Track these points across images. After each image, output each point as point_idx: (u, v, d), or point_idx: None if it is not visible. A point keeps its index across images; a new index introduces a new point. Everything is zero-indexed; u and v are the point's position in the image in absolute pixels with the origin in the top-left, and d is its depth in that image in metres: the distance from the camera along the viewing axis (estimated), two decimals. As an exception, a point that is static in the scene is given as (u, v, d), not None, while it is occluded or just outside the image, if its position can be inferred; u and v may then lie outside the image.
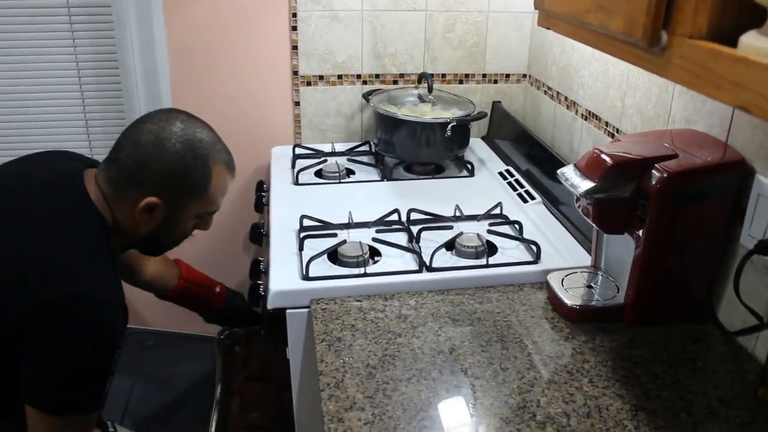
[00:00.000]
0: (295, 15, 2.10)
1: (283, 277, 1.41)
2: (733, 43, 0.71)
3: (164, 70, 2.10)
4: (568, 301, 1.32)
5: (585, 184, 1.21)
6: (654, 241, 1.22)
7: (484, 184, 1.95)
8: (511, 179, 1.93)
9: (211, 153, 1.31)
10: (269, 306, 1.37)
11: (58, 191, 1.28)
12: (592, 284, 1.38)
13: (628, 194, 1.22)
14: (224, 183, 1.35)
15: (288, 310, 1.37)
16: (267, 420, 1.87)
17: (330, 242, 1.51)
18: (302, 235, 1.54)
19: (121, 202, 1.29)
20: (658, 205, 1.18)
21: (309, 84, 2.18)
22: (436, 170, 2.05)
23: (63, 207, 1.26)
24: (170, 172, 1.27)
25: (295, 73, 2.16)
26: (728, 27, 0.74)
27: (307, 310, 1.37)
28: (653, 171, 1.19)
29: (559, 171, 1.28)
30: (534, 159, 1.96)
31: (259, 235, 1.83)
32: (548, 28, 1.23)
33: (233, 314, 1.88)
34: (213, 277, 1.87)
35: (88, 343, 1.17)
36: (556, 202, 1.75)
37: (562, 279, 1.39)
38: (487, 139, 2.30)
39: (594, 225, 1.29)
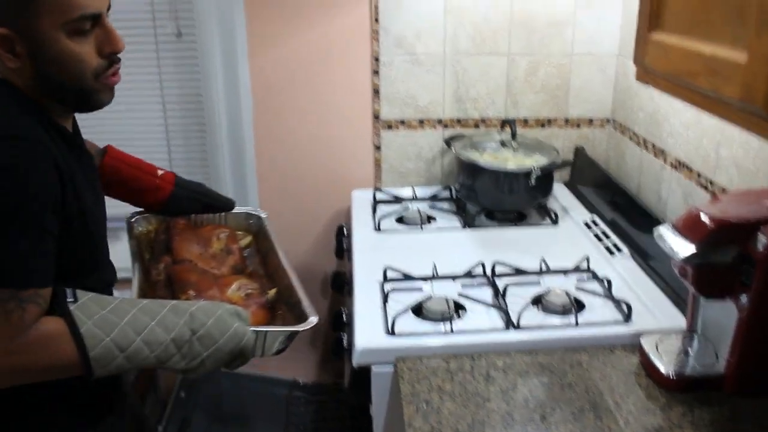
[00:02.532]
0: (377, 59, 2.11)
1: (369, 333, 1.39)
2: None
3: (248, 109, 2.14)
4: (663, 369, 1.26)
5: (685, 248, 1.15)
6: (761, 308, 1.15)
7: (569, 235, 1.90)
8: (597, 230, 1.88)
9: None
10: (355, 363, 1.35)
11: None
12: (688, 349, 1.32)
13: (730, 258, 1.16)
14: None
15: (373, 367, 1.35)
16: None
17: (415, 296, 1.49)
18: (386, 287, 1.53)
19: None
20: (766, 272, 1.12)
21: (390, 128, 2.18)
22: (518, 218, 2.02)
23: None
24: None
25: (377, 117, 2.17)
26: None
27: (392, 367, 1.34)
28: (760, 234, 1.13)
29: (655, 231, 1.23)
30: (619, 207, 1.91)
31: (341, 284, 1.83)
32: (647, 84, 1.20)
33: (189, 204, 1.67)
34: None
35: None
36: (645, 255, 1.69)
37: (656, 343, 1.33)
38: (570, 185, 2.25)
39: (692, 288, 1.24)
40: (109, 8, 1.15)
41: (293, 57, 2.11)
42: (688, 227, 1.18)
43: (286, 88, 2.14)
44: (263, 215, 1.71)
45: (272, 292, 1.42)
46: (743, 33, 0.83)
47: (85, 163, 1.25)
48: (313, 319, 1.25)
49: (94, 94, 1.17)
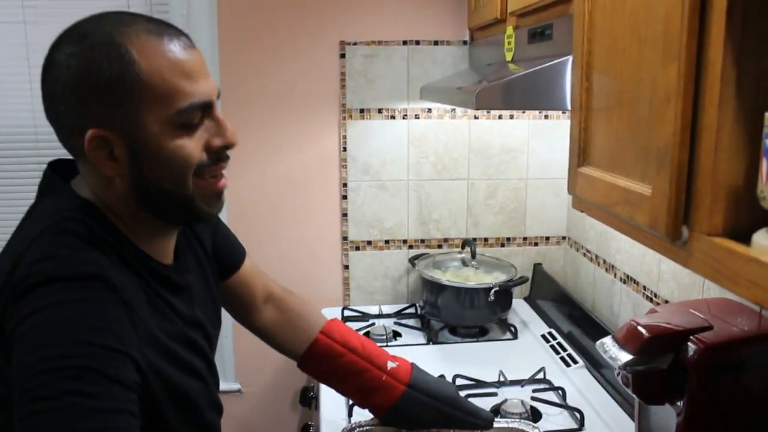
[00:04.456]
0: (345, 185, 2.26)
1: (335, 445, 1.46)
2: (748, 239, 0.76)
3: (222, 235, 2.25)
4: (613, 472, 1.34)
5: (623, 357, 1.26)
6: (695, 412, 1.24)
7: (528, 347, 2.00)
8: (554, 342, 1.98)
9: (110, 31, 0.92)
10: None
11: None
12: (637, 454, 1.40)
13: (666, 366, 1.26)
14: (162, 56, 0.93)
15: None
16: None
17: (379, 409, 1.56)
18: (351, 402, 1.60)
19: (84, 168, 0.99)
20: (696, 378, 1.22)
21: (358, 249, 2.31)
22: (480, 332, 2.12)
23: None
24: (81, 88, 0.92)
25: (345, 238, 2.30)
26: (743, 225, 0.80)
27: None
28: (689, 343, 1.23)
29: (598, 343, 1.33)
30: (575, 320, 2.01)
31: (308, 399, 1.89)
32: (581, 211, 1.33)
33: (425, 413, 1.27)
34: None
35: (46, 338, 0.81)
36: (598, 365, 1.79)
37: (607, 448, 1.41)
38: (530, 299, 2.37)
39: (634, 395, 1.33)
40: (218, 96, 1.01)
41: (266, 182, 2.25)
42: (627, 338, 1.29)
43: (258, 212, 2.27)
44: None
45: None
46: (648, 170, 0.96)
47: (198, 306, 1.11)
48: None
49: (196, 202, 0.99)
